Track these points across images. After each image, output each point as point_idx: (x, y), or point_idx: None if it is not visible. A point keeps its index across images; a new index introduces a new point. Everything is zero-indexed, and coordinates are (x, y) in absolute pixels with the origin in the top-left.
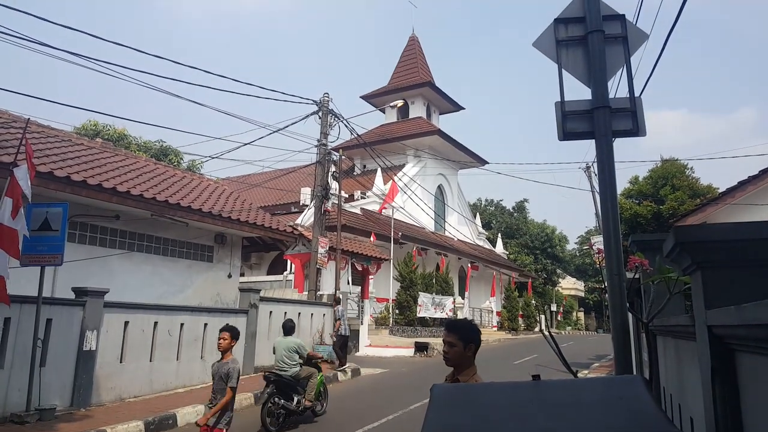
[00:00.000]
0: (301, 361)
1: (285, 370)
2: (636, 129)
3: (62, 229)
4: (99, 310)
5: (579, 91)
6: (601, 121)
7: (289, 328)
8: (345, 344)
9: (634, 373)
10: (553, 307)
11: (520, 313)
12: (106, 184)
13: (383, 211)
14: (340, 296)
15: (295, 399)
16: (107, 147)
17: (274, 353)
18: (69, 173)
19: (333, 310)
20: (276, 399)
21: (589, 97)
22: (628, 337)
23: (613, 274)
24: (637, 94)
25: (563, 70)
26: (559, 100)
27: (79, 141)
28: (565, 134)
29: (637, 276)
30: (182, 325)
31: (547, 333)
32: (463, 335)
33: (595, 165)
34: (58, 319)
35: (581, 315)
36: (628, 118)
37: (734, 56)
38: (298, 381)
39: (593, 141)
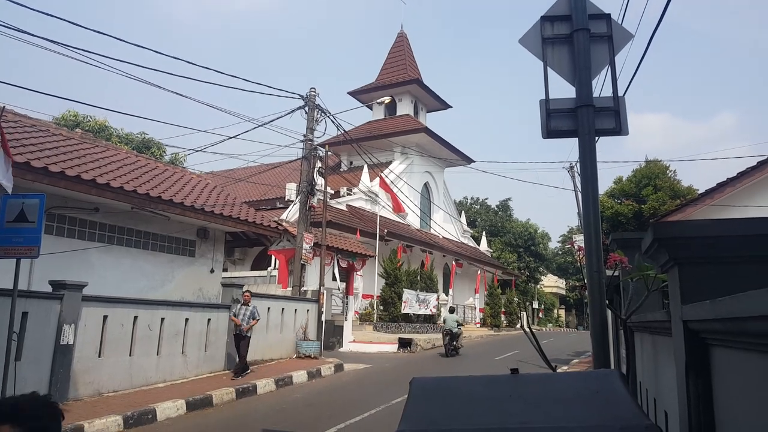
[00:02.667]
0: (459, 326)
1: (453, 330)
2: (618, 128)
3: (39, 220)
4: (77, 304)
5: (563, 91)
6: (585, 119)
7: (452, 310)
8: (246, 346)
9: (612, 368)
10: (535, 305)
11: (503, 310)
12: (85, 176)
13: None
14: (248, 292)
15: (456, 343)
16: (87, 138)
17: (444, 323)
18: (47, 164)
19: (239, 307)
20: (450, 341)
21: (573, 96)
22: (606, 333)
23: (593, 271)
24: (620, 94)
25: (548, 68)
26: (544, 98)
27: (57, 131)
28: (549, 132)
29: (616, 274)
30: (163, 319)
31: (528, 330)
32: (25, 428)
33: (578, 164)
34: (35, 312)
35: (562, 312)
36: (611, 117)
37: (715, 62)
38: (456, 336)
39: (576, 140)
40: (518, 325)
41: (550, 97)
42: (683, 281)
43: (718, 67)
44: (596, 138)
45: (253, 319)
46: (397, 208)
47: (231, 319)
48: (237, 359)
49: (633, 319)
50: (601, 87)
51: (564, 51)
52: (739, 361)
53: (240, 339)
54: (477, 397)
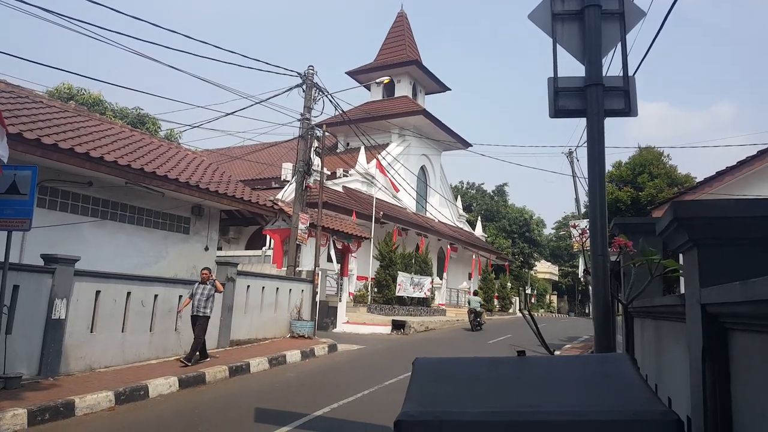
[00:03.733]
0: (482, 306)
1: (476, 309)
2: (628, 108)
3: (31, 193)
4: (69, 279)
5: (568, 70)
6: (594, 98)
7: (475, 293)
8: (204, 328)
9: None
10: (528, 290)
11: (496, 294)
12: (79, 149)
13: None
14: (207, 269)
15: (479, 320)
16: (81, 111)
17: (469, 304)
18: (39, 136)
19: (195, 286)
20: (474, 318)
21: (582, 75)
22: (609, 318)
23: (598, 254)
24: (630, 74)
25: (557, 45)
26: (552, 76)
27: (51, 103)
28: (557, 111)
29: (617, 259)
30: (156, 296)
31: (527, 314)
32: None
33: (578, 151)
34: (26, 286)
35: (554, 298)
36: (621, 98)
37: (714, 51)
38: (480, 314)
39: (578, 126)
40: (511, 310)
41: (558, 76)
42: (703, 263)
43: (718, 57)
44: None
45: (214, 297)
46: (394, 188)
47: (185, 302)
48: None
49: (635, 305)
50: (608, 67)
51: (574, 27)
52: (763, 345)
53: (196, 320)
54: (483, 379)
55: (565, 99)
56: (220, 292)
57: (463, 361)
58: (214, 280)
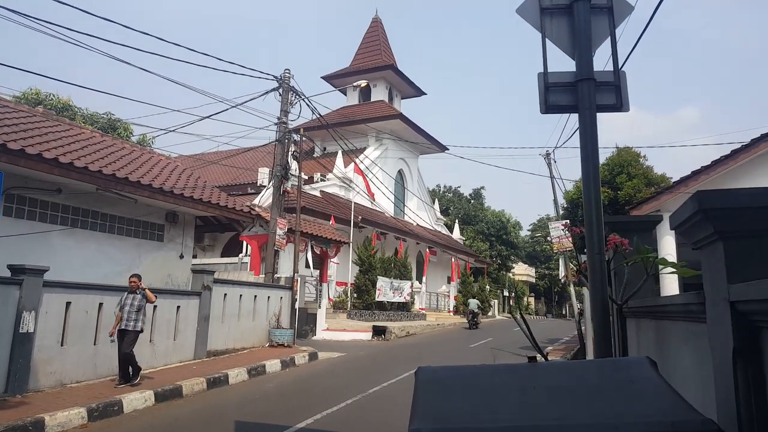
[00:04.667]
0: (479, 308)
1: (474, 310)
2: (620, 103)
3: None
4: (38, 290)
5: (557, 65)
6: (585, 93)
7: (473, 296)
8: (132, 344)
9: (616, 355)
10: (506, 293)
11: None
12: (47, 155)
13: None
14: (135, 277)
15: (476, 320)
16: (49, 115)
17: (468, 306)
18: (5, 141)
19: (124, 296)
20: (472, 318)
21: (572, 70)
22: (608, 318)
23: (594, 252)
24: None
25: (546, 40)
26: (542, 71)
27: (18, 108)
28: (548, 107)
29: (609, 258)
30: None
31: (518, 317)
32: None
33: (555, 153)
34: None
35: (531, 300)
36: (612, 93)
37: (679, 56)
38: (477, 314)
39: (556, 128)
40: (489, 313)
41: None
42: (730, 258)
43: (682, 62)
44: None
45: (145, 309)
46: (369, 193)
47: (117, 318)
48: (120, 363)
49: (630, 305)
50: (594, 62)
51: (563, 22)
52: None
53: (124, 334)
54: (496, 389)
55: (556, 95)
56: (152, 302)
57: (470, 370)
58: (144, 289)
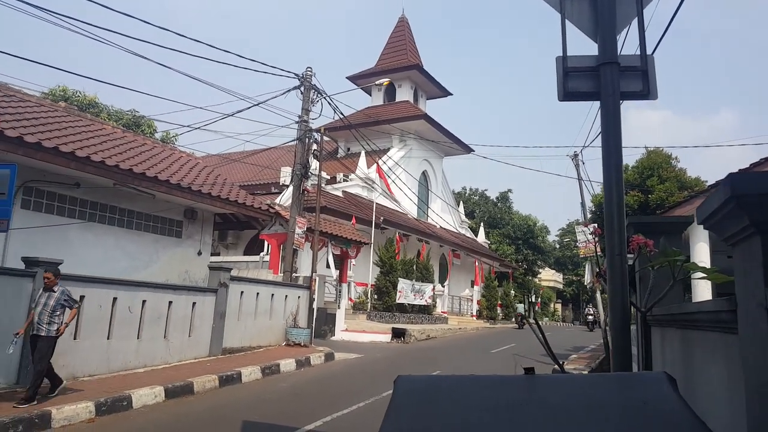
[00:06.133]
0: (525, 310)
1: (522, 312)
2: (647, 90)
3: (9, 192)
4: None
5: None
6: (609, 78)
7: (520, 301)
8: (46, 353)
9: (636, 368)
10: (532, 298)
11: (499, 302)
12: (64, 148)
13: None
14: (50, 273)
15: (523, 320)
16: (71, 111)
17: (516, 309)
18: (22, 134)
19: (39, 293)
20: (521, 320)
21: (594, 54)
22: (628, 327)
23: (615, 254)
24: (649, 52)
25: (567, 21)
26: (561, 55)
27: (40, 103)
28: (566, 94)
29: (633, 262)
30: (144, 302)
31: (532, 321)
32: None
33: (583, 153)
34: (4, 290)
35: (558, 306)
36: (638, 79)
37: (717, 59)
38: (524, 316)
39: (582, 129)
40: (514, 318)
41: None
42: None
43: (720, 65)
44: (620, 102)
45: (65, 309)
46: (389, 191)
47: (30, 317)
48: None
49: (654, 312)
50: (621, 47)
51: (584, 2)
52: None
53: (36, 341)
54: (483, 405)
55: (576, 81)
56: (73, 306)
57: (457, 381)
58: (66, 290)
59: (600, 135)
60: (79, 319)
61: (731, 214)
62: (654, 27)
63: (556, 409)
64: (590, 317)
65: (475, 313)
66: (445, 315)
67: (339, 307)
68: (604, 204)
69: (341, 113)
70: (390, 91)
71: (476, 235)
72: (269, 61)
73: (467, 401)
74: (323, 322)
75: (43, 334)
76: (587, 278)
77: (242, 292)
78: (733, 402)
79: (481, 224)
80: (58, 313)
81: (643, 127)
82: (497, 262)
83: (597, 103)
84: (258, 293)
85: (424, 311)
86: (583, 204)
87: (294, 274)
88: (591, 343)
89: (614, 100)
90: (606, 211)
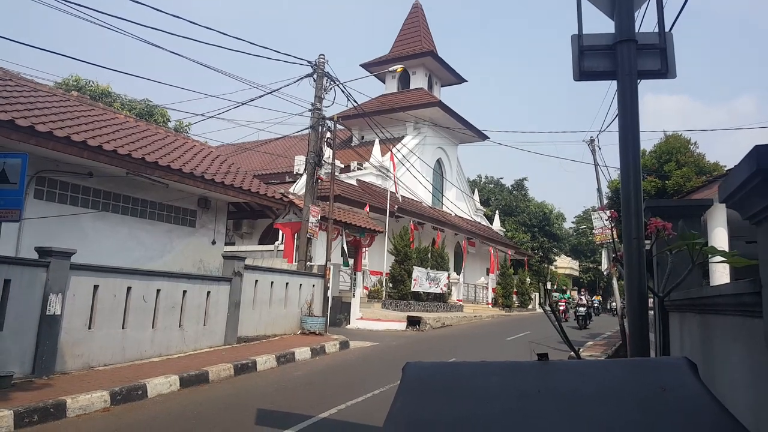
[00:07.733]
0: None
1: (558, 301)
2: (665, 69)
3: (21, 182)
4: (64, 273)
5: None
6: (626, 57)
7: (557, 290)
8: None
9: (654, 355)
10: (548, 285)
11: (515, 290)
12: (76, 137)
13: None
14: None
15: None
16: (83, 100)
17: (554, 297)
18: (33, 123)
19: None
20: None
21: (611, 32)
22: (646, 312)
23: (632, 238)
24: (666, 29)
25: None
26: (577, 33)
27: (52, 92)
28: (582, 73)
29: (650, 246)
30: (159, 291)
31: (548, 309)
32: None
33: (599, 139)
34: (18, 280)
35: (574, 294)
36: (656, 57)
37: (735, 45)
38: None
39: (599, 114)
40: (530, 306)
41: (583, 33)
42: None
43: (738, 49)
44: (638, 81)
45: None
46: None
47: None
48: None
49: (672, 297)
50: (639, 25)
51: None
52: None
53: None
54: (493, 393)
55: (592, 59)
56: None
57: (467, 368)
58: None
59: (617, 117)
60: (94, 309)
61: (757, 190)
62: (671, 6)
63: (568, 396)
64: (582, 309)
65: (490, 301)
66: (461, 303)
67: (354, 296)
68: (621, 185)
69: (354, 101)
70: (404, 79)
71: (491, 223)
72: (282, 49)
73: (477, 388)
74: (338, 311)
75: None
76: (604, 264)
77: (257, 281)
78: (757, 387)
79: (497, 212)
80: None
81: (660, 112)
82: (512, 250)
83: (614, 86)
84: (272, 282)
85: (440, 299)
86: (599, 190)
87: (308, 263)
88: (608, 330)
89: (631, 79)
90: (623, 193)
